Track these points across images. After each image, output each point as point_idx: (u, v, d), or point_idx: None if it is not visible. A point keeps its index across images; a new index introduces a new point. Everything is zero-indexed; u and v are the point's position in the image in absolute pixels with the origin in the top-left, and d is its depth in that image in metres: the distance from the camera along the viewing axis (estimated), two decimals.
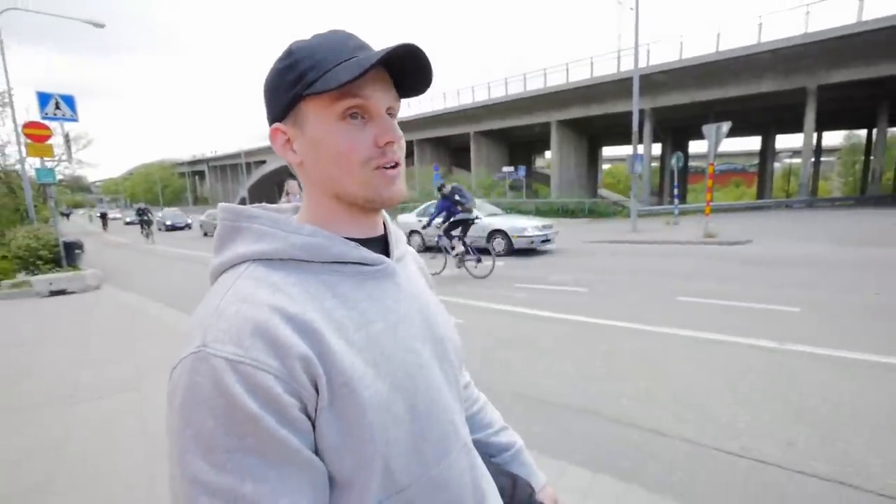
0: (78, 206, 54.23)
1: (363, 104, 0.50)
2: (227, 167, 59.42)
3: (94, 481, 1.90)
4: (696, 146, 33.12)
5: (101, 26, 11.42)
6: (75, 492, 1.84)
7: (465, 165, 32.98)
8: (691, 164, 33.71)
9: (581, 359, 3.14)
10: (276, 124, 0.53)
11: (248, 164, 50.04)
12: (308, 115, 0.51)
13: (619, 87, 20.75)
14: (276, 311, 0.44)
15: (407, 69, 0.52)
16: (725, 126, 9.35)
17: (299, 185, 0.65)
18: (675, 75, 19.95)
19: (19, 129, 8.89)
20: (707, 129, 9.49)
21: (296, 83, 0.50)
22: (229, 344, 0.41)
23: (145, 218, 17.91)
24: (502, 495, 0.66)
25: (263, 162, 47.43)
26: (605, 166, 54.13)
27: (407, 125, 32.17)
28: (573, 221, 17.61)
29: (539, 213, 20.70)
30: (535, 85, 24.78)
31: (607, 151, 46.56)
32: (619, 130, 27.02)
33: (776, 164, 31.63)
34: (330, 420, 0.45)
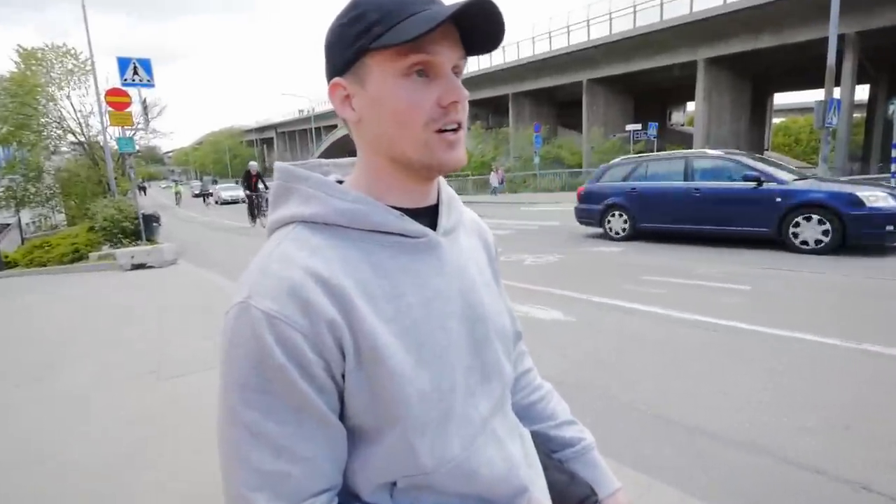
0: (153, 178, 63.29)
1: (429, 60, 0.56)
2: (295, 133, 64.82)
3: (182, 450, 2.27)
4: None
5: None
6: (165, 462, 2.21)
7: (575, 125, 31.49)
8: None
9: (734, 377, 2.89)
10: (337, 79, 0.60)
11: (318, 130, 53.95)
12: (371, 71, 0.57)
13: (803, 5, 18.02)
14: (311, 275, 0.54)
15: (477, 25, 0.56)
16: None
17: None
18: None
19: (100, 98, 10.66)
20: None
21: (361, 36, 0.56)
22: (268, 299, 0.53)
23: None
24: (552, 491, 0.73)
25: (335, 127, 50.72)
26: (775, 120, 47.81)
27: (500, 76, 31.61)
28: None
29: None
30: (677, 12, 22.63)
31: (779, 99, 41.09)
32: (800, 67, 23.64)
33: None
34: (360, 380, 0.56)
